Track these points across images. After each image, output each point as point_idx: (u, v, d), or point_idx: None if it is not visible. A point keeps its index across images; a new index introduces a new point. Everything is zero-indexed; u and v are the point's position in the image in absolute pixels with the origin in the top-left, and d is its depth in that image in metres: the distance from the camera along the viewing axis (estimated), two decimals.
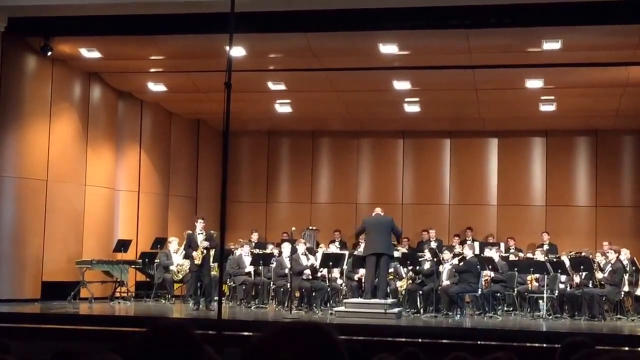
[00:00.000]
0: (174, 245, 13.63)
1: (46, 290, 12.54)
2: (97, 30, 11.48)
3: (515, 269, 12.40)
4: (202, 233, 12.07)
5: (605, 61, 11.64)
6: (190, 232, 12.69)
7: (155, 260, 13.54)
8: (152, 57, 12.68)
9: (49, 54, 12.12)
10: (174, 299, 13.51)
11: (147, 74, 13.68)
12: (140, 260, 13.71)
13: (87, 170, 13.55)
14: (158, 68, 13.41)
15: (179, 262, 13.41)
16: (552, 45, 11.13)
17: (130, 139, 14.76)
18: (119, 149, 14.48)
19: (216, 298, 10.72)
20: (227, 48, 5.75)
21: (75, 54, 12.62)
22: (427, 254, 12.60)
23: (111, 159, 14.26)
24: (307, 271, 12.27)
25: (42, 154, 12.69)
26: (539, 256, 12.70)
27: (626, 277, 12.11)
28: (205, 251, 11.93)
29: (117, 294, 13.23)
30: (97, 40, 12.06)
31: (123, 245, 13.49)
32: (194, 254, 11.97)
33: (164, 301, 13.38)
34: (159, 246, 13.94)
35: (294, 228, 13.20)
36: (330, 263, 12.14)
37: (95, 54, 12.49)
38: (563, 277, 12.23)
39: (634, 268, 12.34)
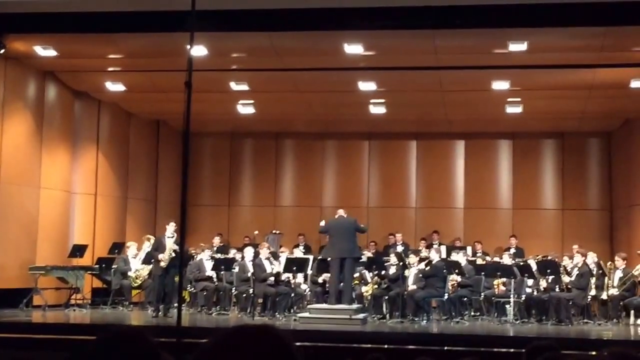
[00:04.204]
0: (132, 251, 13.32)
1: None
2: (53, 27, 11.10)
3: (482, 273, 12.33)
4: (172, 237, 11.76)
5: (571, 63, 11.59)
6: (152, 237, 12.39)
7: (113, 266, 13.20)
8: (110, 56, 12.34)
9: (2, 51, 11.70)
10: (131, 305, 13.19)
11: (105, 73, 13.31)
12: (97, 266, 13.32)
13: (41, 172, 13.14)
14: (116, 67, 13.05)
15: (137, 267, 13.09)
16: (518, 47, 11.06)
17: (87, 140, 14.37)
18: (75, 150, 14.08)
19: (175, 304, 10.41)
20: (188, 47, 5.53)
21: (29, 52, 12.23)
22: (393, 258, 12.45)
23: (67, 160, 13.84)
24: (271, 277, 12.03)
25: None
26: (506, 260, 12.63)
27: (593, 280, 12.08)
28: (173, 254, 11.59)
29: (73, 301, 12.82)
30: (52, 38, 11.69)
31: (79, 251, 13.10)
32: (161, 256, 11.62)
33: (121, 308, 13.04)
34: (116, 251, 13.56)
35: (256, 232, 12.96)
36: (294, 268, 11.91)
37: (51, 52, 12.12)
38: (530, 281, 12.17)
39: (600, 272, 12.32)
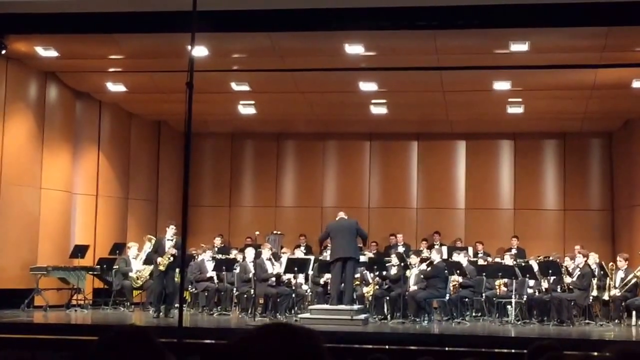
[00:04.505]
0: (134, 251, 13.28)
1: None
2: (54, 28, 11.09)
3: (484, 273, 12.30)
4: (172, 239, 11.74)
5: (573, 63, 11.57)
6: (153, 237, 12.36)
7: (114, 267, 13.16)
8: (111, 57, 12.32)
9: (3, 52, 11.72)
10: (133, 306, 13.17)
11: (106, 73, 13.30)
12: (98, 267, 13.27)
13: (42, 172, 13.13)
14: (117, 68, 13.04)
15: (138, 268, 13.07)
16: (519, 47, 11.05)
17: (88, 141, 14.36)
18: (77, 151, 14.07)
19: (177, 305, 10.42)
20: (189, 47, 5.51)
21: (31, 53, 12.22)
22: (394, 259, 12.42)
23: (68, 161, 13.83)
24: (272, 277, 12.01)
25: None
26: (508, 261, 12.60)
27: (594, 281, 12.06)
28: (171, 258, 11.60)
29: (74, 302, 12.79)
30: (53, 39, 11.68)
31: (80, 251, 13.08)
32: (159, 259, 11.63)
33: (122, 309, 13.01)
34: (117, 252, 13.53)
35: (257, 232, 12.93)
36: (295, 269, 11.88)
37: (52, 53, 12.11)
38: (531, 282, 12.14)
39: (602, 272, 12.29)
